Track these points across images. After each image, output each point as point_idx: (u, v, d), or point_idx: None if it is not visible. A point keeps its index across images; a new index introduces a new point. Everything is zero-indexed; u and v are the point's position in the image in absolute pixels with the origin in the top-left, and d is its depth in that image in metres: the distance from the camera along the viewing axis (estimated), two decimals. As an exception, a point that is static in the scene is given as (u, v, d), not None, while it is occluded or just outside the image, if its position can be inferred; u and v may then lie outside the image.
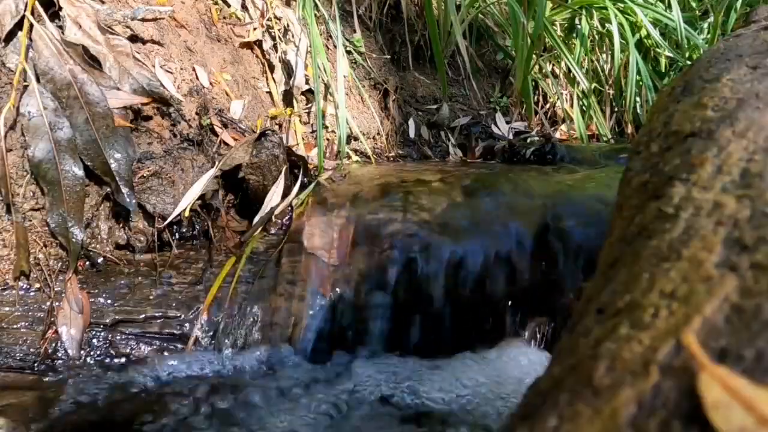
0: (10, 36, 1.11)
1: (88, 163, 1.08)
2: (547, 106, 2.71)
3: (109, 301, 1.06)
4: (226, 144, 1.32)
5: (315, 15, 1.74)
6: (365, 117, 1.91)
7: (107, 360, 1.02)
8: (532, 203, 1.26)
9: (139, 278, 1.09)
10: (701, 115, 0.51)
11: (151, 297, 1.07)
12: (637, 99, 2.67)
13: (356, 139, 1.81)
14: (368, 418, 0.93)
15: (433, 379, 1.02)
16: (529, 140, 2.11)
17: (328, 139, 1.73)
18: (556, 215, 1.21)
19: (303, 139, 1.66)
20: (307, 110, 1.73)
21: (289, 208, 1.27)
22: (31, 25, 1.11)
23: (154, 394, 0.97)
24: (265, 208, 1.23)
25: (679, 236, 0.38)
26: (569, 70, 2.58)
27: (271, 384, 1.01)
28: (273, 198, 1.24)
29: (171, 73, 1.31)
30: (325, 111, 1.73)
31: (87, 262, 1.10)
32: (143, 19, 1.26)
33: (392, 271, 1.12)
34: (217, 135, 1.32)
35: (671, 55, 2.73)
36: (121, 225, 1.14)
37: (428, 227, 1.18)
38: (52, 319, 1.02)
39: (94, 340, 1.03)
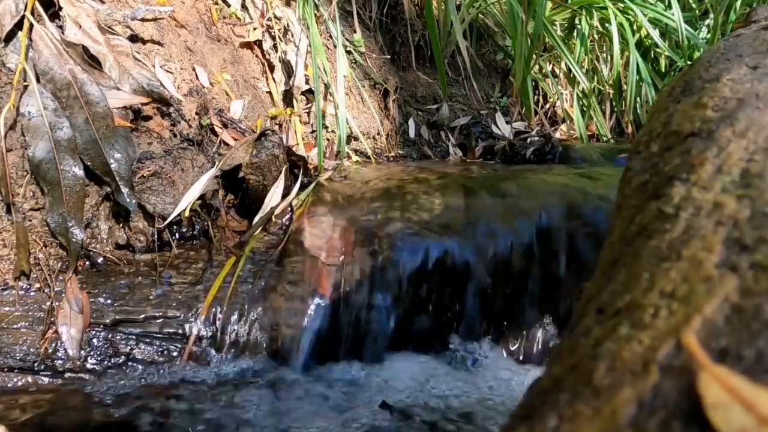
0: (10, 36, 1.11)
1: (88, 163, 1.07)
2: (547, 106, 2.71)
3: (109, 301, 1.06)
4: (226, 144, 1.32)
5: (315, 15, 1.74)
6: (365, 117, 1.91)
7: (107, 360, 1.02)
8: (532, 203, 1.26)
9: (139, 278, 1.09)
10: (701, 115, 0.51)
11: (151, 297, 1.07)
12: (637, 99, 2.66)
13: (356, 139, 1.81)
14: (368, 419, 0.93)
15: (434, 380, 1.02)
16: (529, 140, 2.11)
17: (328, 139, 1.73)
18: (557, 215, 1.21)
19: (303, 139, 1.66)
20: (307, 110, 1.73)
21: (289, 208, 1.27)
22: (31, 25, 1.11)
23: (154, 394, 0.97)
24: (265, 208, 1.23)
25: (679, 236, 0.38)
26: (569, 70, 2.58)
27: (271, 384, 1.01)
28: (273, 198, 1.23)
29: (171, 73, 1.31)
30: (325, 111, 1.73)
31: (87, 262, 1.10)
32: (143, 19, 1.26)
33: (392, 271, 1.12)
34: (217, 135, 1.32)
35: (671, 55, 2.73)
36: (121, 225, 1.14)
37: (428, 227, 1.18)
38: (52, 319, 1.02)
39: (94, 340, 1.03)
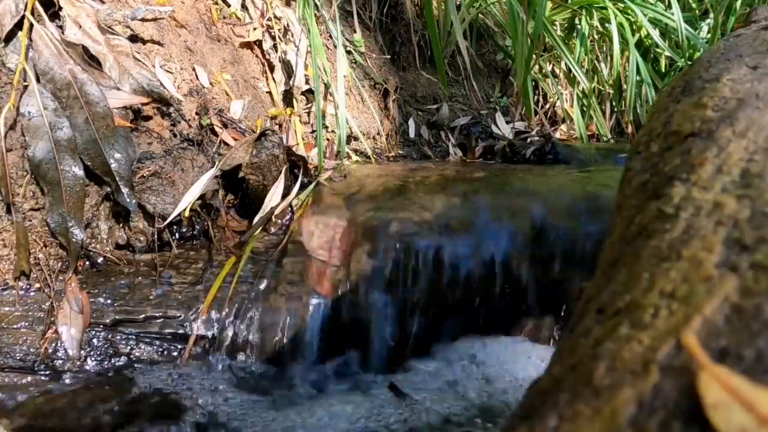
0: (10, 36, 1.11)
1: (88, 163, 1.07)
2: (547, 106, 2.71)
3: (109, 301, 1.06)
4: (226, 144, 1.32)
5: (315, 15, 1.74)
6: (365, 117, 1.91)
7: (107, 360, 1.02)
8: (531, 203, 1.26)
9: (139, 278, 1.09)
10: (701, 115, 0.51)
11: (151, 297, 1.07)
12: (637, 99, 2.67)
13: (356, 139, 1.81)
14: (369, 418, 0.93)
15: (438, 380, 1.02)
16: (529, 140, 2.11)
17: (328, 139, 1.73)
18: (556, 214, 1.21)
19: (303, 139, 1.66)
20: (307, 110, 1.73)
21: (289, 208, 1.27)
22: (31, 25, 1.11)
23: (154, 395, 0.97)
24: (265, 208, 1.23)
25: (679, 236, 0.38)
26: (569, 70, 2.58)
27: (271, 384, 1.01)
28: (273, 198, 1.23)
29: (171, 73, 1.31)
30: (325, 111, 1.73)
31: (87, 262, 1.10)
32: (143, 19, 1.26)
33: (393, 271, 1.12)
34: (217, 135, 1.32)
35: (671, 55, 2.73)
36: (121, 225, 1.14)
37: (428, 227, 1.18)
38: (52, 319, 1.02)
39: (94, 340, 1.03)
